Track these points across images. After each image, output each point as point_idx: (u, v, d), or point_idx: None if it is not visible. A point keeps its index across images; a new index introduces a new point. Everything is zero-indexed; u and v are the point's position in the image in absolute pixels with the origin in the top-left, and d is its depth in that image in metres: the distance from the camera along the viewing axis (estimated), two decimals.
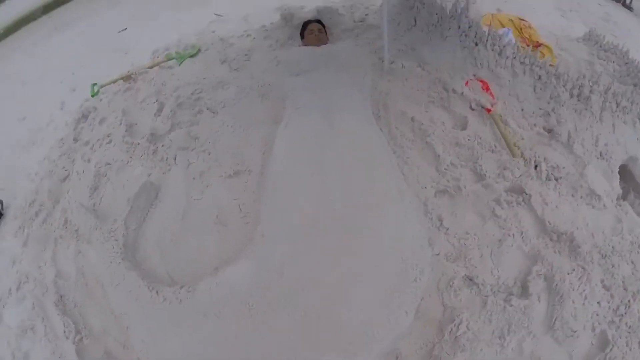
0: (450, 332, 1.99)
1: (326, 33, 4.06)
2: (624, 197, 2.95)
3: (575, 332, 1.98)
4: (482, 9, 4.96)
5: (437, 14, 3.51)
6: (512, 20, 4.47)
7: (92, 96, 4.27)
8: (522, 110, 3.01)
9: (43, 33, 10.87)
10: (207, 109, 3.15)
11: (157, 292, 2.12)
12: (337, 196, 2.14)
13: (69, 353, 2.30)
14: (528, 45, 4.19)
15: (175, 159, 2.80)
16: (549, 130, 2.96)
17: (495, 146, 2.71)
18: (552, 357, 1.97)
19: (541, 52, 4.05)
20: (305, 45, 3.89)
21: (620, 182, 2.97)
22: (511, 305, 2.03)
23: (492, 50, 3.14)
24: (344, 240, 2.09)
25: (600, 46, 4.41)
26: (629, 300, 2.13)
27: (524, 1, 6.43)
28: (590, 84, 2.96)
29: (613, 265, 2.24)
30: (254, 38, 4.27)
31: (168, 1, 7.32)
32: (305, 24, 4.05)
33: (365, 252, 2.07)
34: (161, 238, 2.42)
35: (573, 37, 4.84)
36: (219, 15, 5.33)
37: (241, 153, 2.69)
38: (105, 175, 2.98)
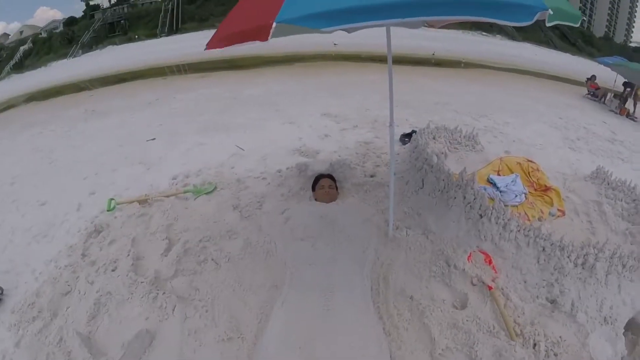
0: None
1: (337, 188, 4.28)
2: (631, 349, 2.88)
3: None
4: (490, 152, 5.33)
5: (443, 180, 3.75)
6: (520, 164, 4.71)
7: (108, 211, 4.43)
8: (525, 282, 3.03)
9: (80, 113, 11.61)
10: (212, 259, 3.28)
11: None
12: None
13: None
14: (536, 190, 4.44)
15: (173, 309, 2.88)
16: (552, 301, 2.95)
17: (493, 327, 2.68)
18: None
19: (549, 196, 4.28)
20: (316, 198, 4.10)
21: (627, 333, 2.93)
22: None
23: (497, 223, 3.25)
24: None
25: (608, 184, 4.53)
26: None
27: (532, 139, 6.97)
28: (596, 251, 2.98)
29: None
30: (269, 183, 4.54)
31: (194, 121, 8.04)
32: (317, 179, 4.29)
33: None
34: None
35: (581, 173, 5.04)
36: (240, 148, 5.67)
37: (237, 317, 2.76)
38: (105, 306, 3.05)
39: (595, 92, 13.62)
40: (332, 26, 1.52)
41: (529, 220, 3.89)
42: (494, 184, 4.37)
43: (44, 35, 62.86)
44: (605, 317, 2.80)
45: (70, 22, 63.70)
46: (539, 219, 3.95)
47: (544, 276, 3.01)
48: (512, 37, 47.16)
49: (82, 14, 65.18)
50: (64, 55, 48.23)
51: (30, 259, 4.16)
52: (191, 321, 2.80)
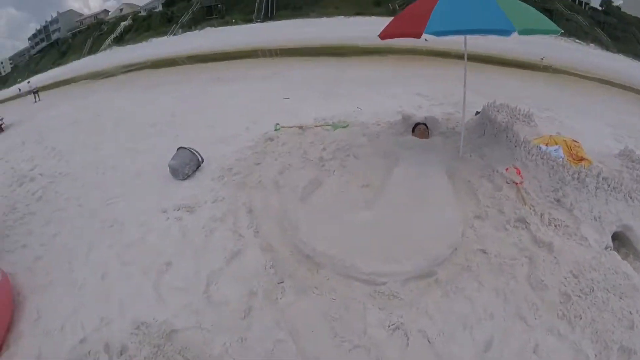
0: (467, 266, 3.77)
1: (428, 132, 6.47)
2: (623, 259, 3.98)
3: (542, 281, 3.44)
4: (542, 130, 6.79)
5: (496, 128, 5.71)
6: (565, 141, 5.96)
7: (275, 130, 6.99)
8: (540, 187, 4.67)
9: (207, 78, 14.53)
10: (353, 155, 5.68)
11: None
12: (419, 197, 4.44)
13: (249, 235, 4.42)
14: (574, 159, 5.66)
15: (334, 172, 5.31)
16: (558, 200, 4.45)
17: (515, 201, 4.52)
18: (526, 296, 3.36)
19: (583, 164, 5.40)
20: (414, 137, 6.30)
21: (622, 249, 4.23)
22: (504, 263, 3.77)
23: (524, 150, 5.06)
24: (420, 210, 4.26)
25: (630, 159, 5.84)
26: (592, 288, 3.39)
27: (584, 130, 8.25)
28: (586, 171, 4.51)
29: (584, 268, 3.58)
30: (382, 127, 6.88)
31: (313, 90, 10.64)
32: (416, 124, 6.55)
33: (428, 217, 4.17)
34: (320, 202, 4.79)
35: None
36: (358, 108, 8.10)
37: (369, 177, 5.09)
38: (288, 169, 5.51)
39: None
40: (443, 35, 3.88)
41: None
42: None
43: (143, 13, 69.69)
44: (594, 217, 4.25)
45: (169, 3, 69.42)
46: None
47: (552, 184, 4.63)
48: (606, 47, 45.93)
49: None
50: (164, 33, 53.18)
51: (216, 152, 6.57)
52: (343, 178, 5.17)
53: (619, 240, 4.39)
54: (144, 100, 14.23)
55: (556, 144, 5.92)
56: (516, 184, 4.77)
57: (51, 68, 62.36)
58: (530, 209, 4.44)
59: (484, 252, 3.89)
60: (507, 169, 4.98)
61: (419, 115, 7.43)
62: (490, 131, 5.84)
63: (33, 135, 11.75)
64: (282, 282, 3.72)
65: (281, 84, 11.88)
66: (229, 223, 4.67)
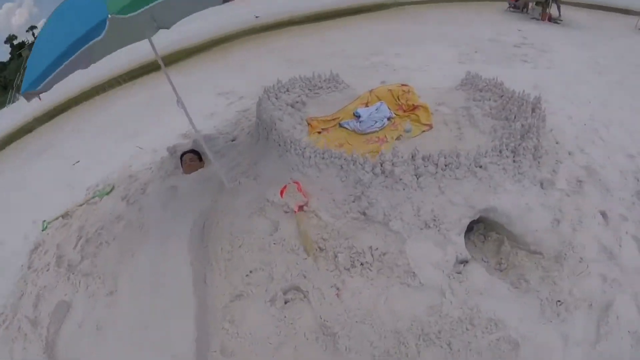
0: None
1: (200, 159, 5.39)
2: (498, 248, 3.13)
3: None
4: (361, 86, 5.72)
5: (265, 129, 4.44)
6: (390, 91, 5.18)
7: (42, 230, 5.89)
8: (334, 200, 3.43)
9: (13, 162, 12.62)
10: (105, 242, 4.67)
11: None
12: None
13: None
14: (405, 111, 4.91)
15: (79, 283, 4.33)
16: (364, 213, 3.21)
17: (295, 245, 3.27)
18: None
19: (416, 114, 4.73)
20: (185, 172, 5.27)
21: (492, 234, 3.24)
22: None
23: (297, 154, 3.76)
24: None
25: (477, 87, 4.86)
26: None
27: (419, 64, 7.57)
28: (391, 157, 3.24)
29: (419, 353, 2.52)
30: (153, 171, 5.81)
31: (112, 134, 9.23)
32: (182, 156, 5.45)
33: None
34: (75, 340, 3.83)
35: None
36: (140, 148, 7.04)
37: (116, 275, 4.10)
38: (43, 295, 4.50)
39: (516, 4, 13.68)
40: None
41: (386, 141, 4.41)
42: (358, 116, 4.88)
43: None
44: (425, 222, 3.08)
45: None
46: (398, 138, 4.41)
47: (350, 191, 3.44)
48: None
49: (9, 56, 65.03)
50: (3, 104, 48.63)
51: None
52: (91, 289, 4.19)
53: (485, 223, 3.32)
54: None
55: (378, 99, 5.13)
56: (295, 211, 3.56)
57: None
58: (316, 253, 3.21)
59: None
60: (283, 189, 3.73)
61: (206, 131, 6.39)
62: (262, 134, 4.57)
63: None
64: None
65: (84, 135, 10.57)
66: None
